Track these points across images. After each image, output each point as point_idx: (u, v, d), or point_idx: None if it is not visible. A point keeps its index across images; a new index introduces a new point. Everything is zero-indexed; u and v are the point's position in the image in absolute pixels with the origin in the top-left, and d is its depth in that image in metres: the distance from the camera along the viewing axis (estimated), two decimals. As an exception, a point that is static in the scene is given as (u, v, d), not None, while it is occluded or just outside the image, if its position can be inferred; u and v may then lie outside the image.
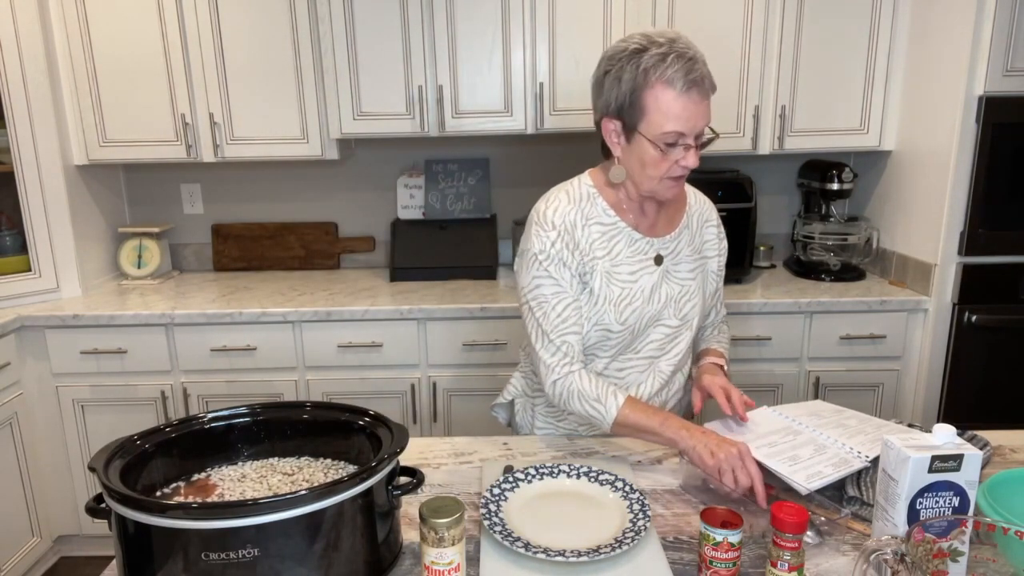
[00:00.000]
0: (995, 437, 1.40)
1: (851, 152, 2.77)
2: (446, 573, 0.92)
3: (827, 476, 1.14)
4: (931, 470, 0.90)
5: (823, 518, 1.13)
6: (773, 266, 2.89)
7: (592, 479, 1.21)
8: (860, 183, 2.76)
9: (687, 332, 1.45)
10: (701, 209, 1.48)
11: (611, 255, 1.37)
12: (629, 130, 1.28)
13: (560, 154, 2.92)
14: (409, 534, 1.11)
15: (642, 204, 1.39)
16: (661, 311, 1.40)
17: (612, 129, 1.31)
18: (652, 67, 1.22)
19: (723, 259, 1.52)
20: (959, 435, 1.25)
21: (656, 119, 1.24)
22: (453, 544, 0.91)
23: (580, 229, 1.36)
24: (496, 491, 1.16)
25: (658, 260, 1.40)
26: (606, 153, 1.39)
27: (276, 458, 1.15)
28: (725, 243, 1.53)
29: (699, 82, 1.22)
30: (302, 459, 1.15)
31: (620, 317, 1.36)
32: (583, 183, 1.40)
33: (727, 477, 1.16)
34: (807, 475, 1.14)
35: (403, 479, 1.03)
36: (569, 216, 1.35)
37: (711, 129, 1.29)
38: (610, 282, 1.36)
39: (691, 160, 1.27)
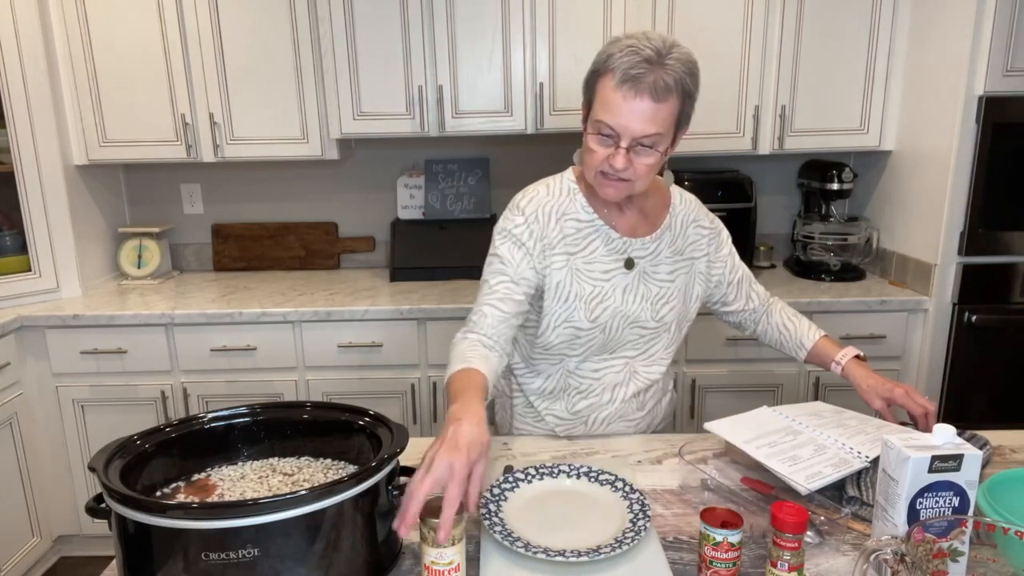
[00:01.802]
0: (995, 437, 1.40)
1: (851, 152, 2.77)
2: (446, 573, 0.92)
3: (827, 476, 1.14)
4: (931, 470, 0.90)
5: (823, 518, 1.13)
6: (773, 266, 2.89)
7: (592, 479, 1.21)
8: (860, 183, 2.76)
9: (664, 334, 1.43)
10: (687, 210, 1.45)
11: (584, 252, 1.36)
12: (587, 115, 1.28)
13: (560, 154, 2.92)
14: (409, 534, 1.10)
15: (619, 203, 1.37)
16: (637, 312, 1.38)
17: (583, 114, 1.32)
18: (612, 54, 1.20)
19: (722, 255, 1.49)
20: (958, 435, 1.26)
21: (596, 106, 1.23)
22: (453, 544, 0.91)
23: (553, 223, 1.35)
24: (496, 491, 1.16)
25: (629, 264, 1.37)
26: None
27: (276, 458, 1.15)
28: (723, 236, 1.50)
29: (637, 80, 1.15)
30: (302, 459, 1.15)
31: (591, 315, 1.35)
32: (565, 178, 1.40)
33: (418, 475, 0.94)
34: (807, 475, 1.14)
35: (403, 479, 1.03)
36: (544, 208, 1.35)
37: (649, 142, 1.20)
38: (581, 279, 1.35)
39: (618, 161, 1.20)
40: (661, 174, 1.44)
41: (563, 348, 1.40)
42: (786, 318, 1.55)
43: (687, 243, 1.44)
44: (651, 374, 1.44)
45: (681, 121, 1.24)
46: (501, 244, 1.35)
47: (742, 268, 1.54)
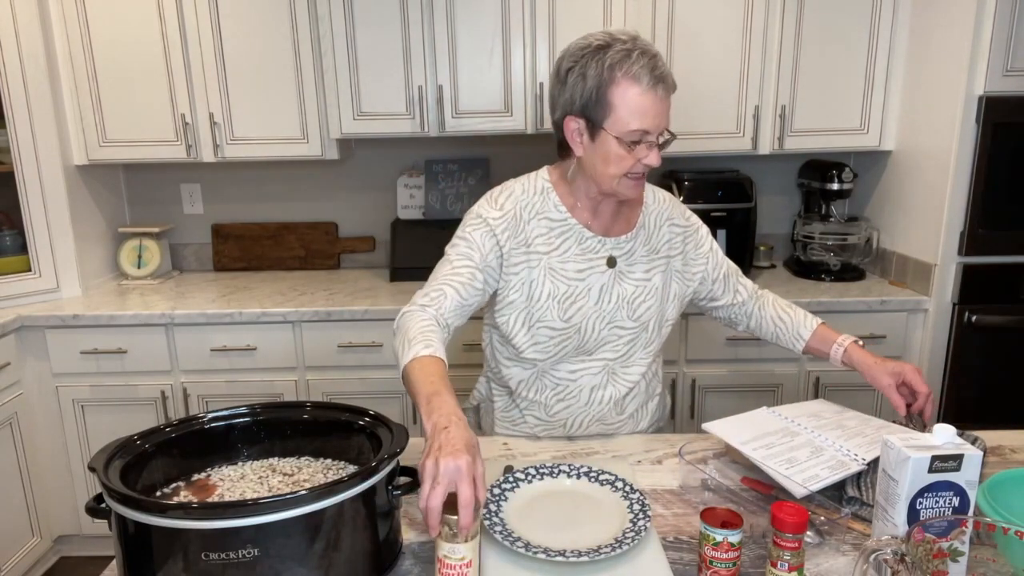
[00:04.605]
0: (995, 437, 1.40)
1: (851, 152, 2.77)
2: (458, 567, 0.92)
3: (824, 479, 1.14)
4: (931, 470, 0.90)
5: (823, 518, 1.13)
6: (773, 266, 2.89)
7: (592, 479, 1.21)
8: (860, 183, 2.76)
9: (643, 334, 1.41)
10: (660, 208, 1.44)
11: (558, 251, 1.35)
12: (593, 128, 1.26)
13: (560, 154, 2.92)
14: (409, 534, 1.11)
15: (598, 204, 1.37)
16: (614, 312, 1.38)
17: (575, 128, 1.28)
18: (617, 63, 1.21)
19: (702, 251, 1.48)
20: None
21: (622, 116, 1.22)
22: (466, 541, 0.91)
23: (527, 221, 1.35)
24: (496, 491, 1.16)
25: (611, 262, 1.37)
26: (563, 152, 1.37)
27: (276, 458, 1.15)
28: (702, 232, 1.49)
29: (663, 79, 1.22)
30: (302, 459, 1.15)
31: (564, 315, 1.35)
32: (539, 177, 1.40)
33: (425, 488, 0.92)
34: (803, 477, 1.14)
35: (403, 479, 1.03)
36: (521, 204, 1.36)
37: (668, 132, 1.28)
38: (554, 278, 1.35)
39: (653, 159, 1.26)
40: None
41: (538, 350, 1.37)
42: (780, 309, 1.53)
43: (662, 241, 1.43)
44: (630, 375, 1.42)
45: None
46: (474, 230, 1.34)
47: (727, 263, 1.53)
